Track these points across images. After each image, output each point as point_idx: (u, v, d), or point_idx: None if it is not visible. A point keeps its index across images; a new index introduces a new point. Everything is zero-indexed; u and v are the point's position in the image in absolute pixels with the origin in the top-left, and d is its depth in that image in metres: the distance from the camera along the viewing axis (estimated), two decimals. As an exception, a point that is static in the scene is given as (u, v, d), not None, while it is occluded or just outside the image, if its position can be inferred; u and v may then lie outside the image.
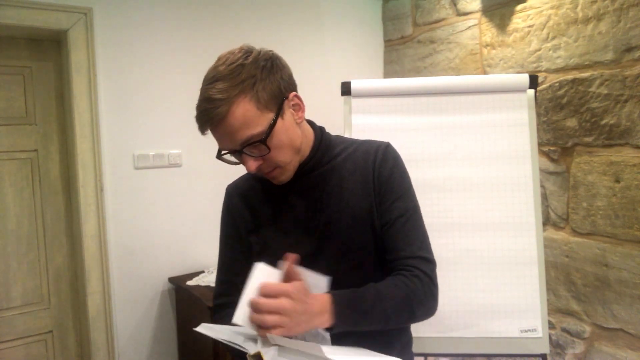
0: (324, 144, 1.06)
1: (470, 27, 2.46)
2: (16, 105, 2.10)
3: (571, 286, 2.06)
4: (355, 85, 1.75)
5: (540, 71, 2.13)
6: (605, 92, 1.90)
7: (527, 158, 1.71)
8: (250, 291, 0.83)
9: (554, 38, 2.07)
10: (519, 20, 2.21)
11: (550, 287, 2.12)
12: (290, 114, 0.97)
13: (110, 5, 2.14)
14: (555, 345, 2.14)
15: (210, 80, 0.90)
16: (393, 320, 0.94)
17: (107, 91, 2.15)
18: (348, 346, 0.92)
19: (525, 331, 1.65)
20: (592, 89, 1.94)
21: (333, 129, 1.18)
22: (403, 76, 2.85)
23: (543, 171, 2.12)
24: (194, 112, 0.93)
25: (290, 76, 0.99)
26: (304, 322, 0.84)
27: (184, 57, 2.33)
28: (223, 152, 0.96)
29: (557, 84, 2.06)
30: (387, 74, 2.99)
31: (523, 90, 1.73)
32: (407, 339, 1.13)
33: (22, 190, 2.12)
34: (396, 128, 1.75)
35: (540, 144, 2.11)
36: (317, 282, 0.91)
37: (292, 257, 0.87)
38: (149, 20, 2.24)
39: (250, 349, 0.81)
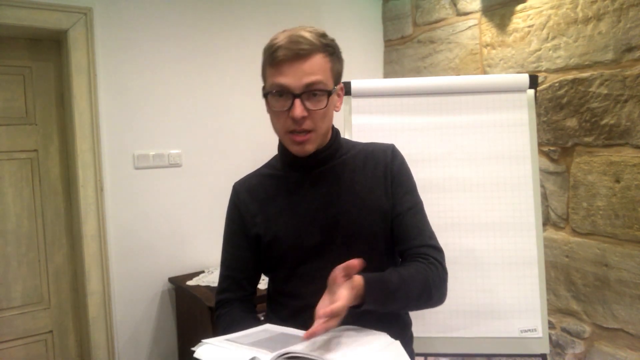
0: (339, 140, 1.13)
1: (470, 27, 2.46)
2: (16, 105, 2.10)
3: (571, 286, 2.06)
4: (355, 85, 1.75)
5: (540, 71, 2.13)
6: (605, 92, 1.90)
7: (527, 158, 1.70)
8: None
9: (554, 38, 2.07)
10: (519, 20, 2.20)
11: (550, 287, 2.12)
12: (335, 99, 1.06)
13: (110, 5, 2.14)
14: (555, 345, 2.14)
15: (298, 29, 0.98)
16: (413, 302, 1.01)
17: (107, 91, 2.15)
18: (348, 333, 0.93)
19: (525, 331, 1.65)
20: (592, 89, 1.94)
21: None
22: (403, 76, 2.85)
23: (543, 171, 2.12)
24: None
25: None
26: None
27: (184, 57, 2.33)
28: (274, 90, 0.99)
29: (557, 84, 2.06)
30: (387, 74, 2.99)
31: (523, 90, 1.73)
32: (409, 336, 1.17)
33: (22, 190, 2.12)
34: (396, 128, 1.75)
35: (540, 144, 2.11)
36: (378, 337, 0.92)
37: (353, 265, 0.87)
38: (149, 20, 2.24)
39: None
